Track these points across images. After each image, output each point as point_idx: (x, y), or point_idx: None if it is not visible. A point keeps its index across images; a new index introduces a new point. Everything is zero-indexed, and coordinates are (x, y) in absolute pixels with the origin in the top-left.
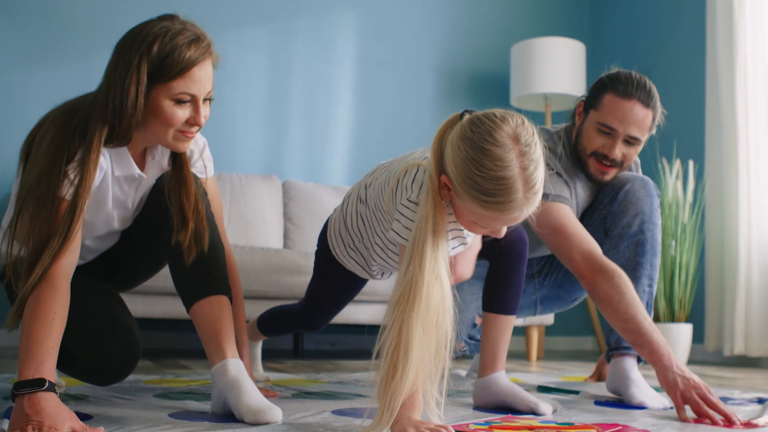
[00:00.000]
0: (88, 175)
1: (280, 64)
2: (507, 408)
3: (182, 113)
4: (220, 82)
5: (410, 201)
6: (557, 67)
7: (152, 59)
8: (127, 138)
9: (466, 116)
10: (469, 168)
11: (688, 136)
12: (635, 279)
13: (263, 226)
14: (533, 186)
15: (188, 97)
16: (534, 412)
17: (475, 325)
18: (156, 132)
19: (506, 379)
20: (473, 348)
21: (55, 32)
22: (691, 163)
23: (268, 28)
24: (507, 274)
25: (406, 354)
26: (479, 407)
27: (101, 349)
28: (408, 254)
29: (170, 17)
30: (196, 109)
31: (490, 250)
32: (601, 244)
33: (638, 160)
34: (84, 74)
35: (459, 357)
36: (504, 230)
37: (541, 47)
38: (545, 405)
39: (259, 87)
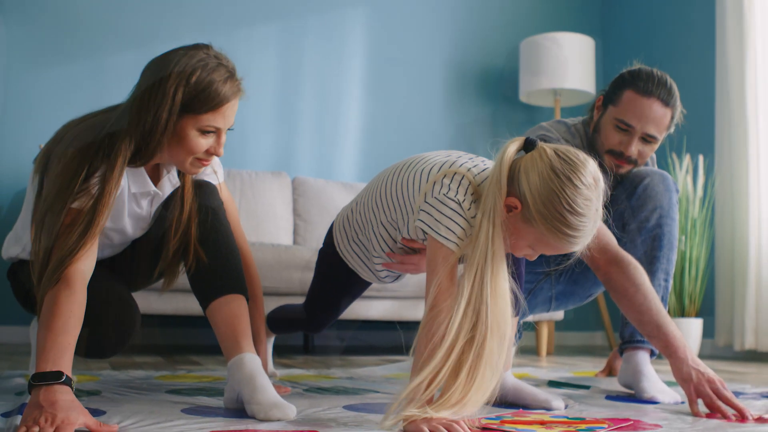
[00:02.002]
0: (110, 191)
1: (290, 61)
2: (518, 406)
3: (205, 143)
4: None
5: (447, 197)
6: (567, 63)
7: (188, 90)
8: (148, 160)
9: (544, 146)
10: (558, 200)
11: (698, 131)
12: (651, 273)
13: (273, 223)
14: (597, 227)
15: (213, 129)
16: (546, 409)
17: None
18: (176, 156)
19: (512, 378)
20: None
21: (66, 31)
22: (701, 158)
23: (278, 25)
24: None
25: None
26: (489, 403)
27: (98, 316)
28: (479, 280)
29: (205, 47)
30: (218, 140)
31: None
32: (618, 239)
33: (654, 156)
34: (94, 72)
35: None
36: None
37: (550, 43)
38: (557, 401)
39: (269, 84)
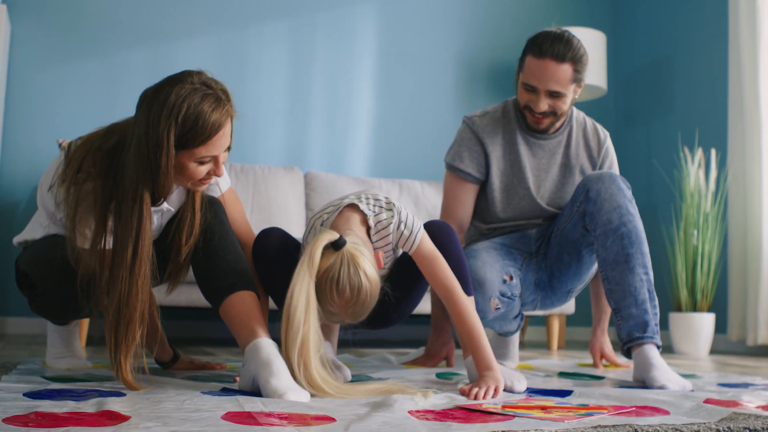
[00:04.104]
0: (145, 242)
1: (301, 57)
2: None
3: (204, 168)
4: (242, 75)
5: None
6: None
7: (178, 129)
8: (166, 196)
9: (330, 260)
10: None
11: (710, 125)
12: (630, 270)
13: (285, 217)
14: (355, 317)
15: (209, 158)
16: (510, 391)
17: (504, 282)
18: (179, 181)
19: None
20: (506, 305)
21: (78, 28)
22: (713, 152)
23: (289, 22)
24: (450, 260)
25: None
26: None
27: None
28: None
29: (192, 75)
30: (216, 163)
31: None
32: (583, 239)
33: (615, 159)
34: (106, 68)
35: (498, 318)
36: None
37: None
38: (520, 384)
39: (280, 80)
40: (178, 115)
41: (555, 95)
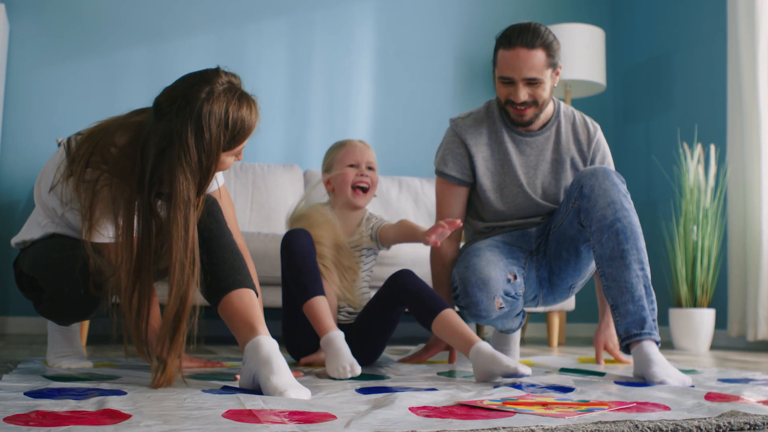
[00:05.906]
0: (196, 246)
1: (299, 55)
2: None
3: (232, 160)
4: (241, 73)
5: None
6: (576, 54)
7: (227, 136)
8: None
9: None
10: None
11: (710, 120)
12: (626, 266)
13: (285, 215)
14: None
15: (241, 148)
16: (515, 376)
17: (509, 281)
18: None
19: (488, 347)
20: (510, 304)
21: (76, 26)
22: (712, 147)
23: (287, 19)
24: (417, 290)
25: None
26: (481, 380)
27: (64, 285)
28: None
29: (219, 76)
30: (239, 151)
31: (391, 289)
32: (580, 235)
33: (607, 151)
34: (104, 66)
35: (501, 317)
36: None
37: (559, 34)
38: (524, 368)
39: (279, 78)
40: (227, 124)
41: (532, 83)
